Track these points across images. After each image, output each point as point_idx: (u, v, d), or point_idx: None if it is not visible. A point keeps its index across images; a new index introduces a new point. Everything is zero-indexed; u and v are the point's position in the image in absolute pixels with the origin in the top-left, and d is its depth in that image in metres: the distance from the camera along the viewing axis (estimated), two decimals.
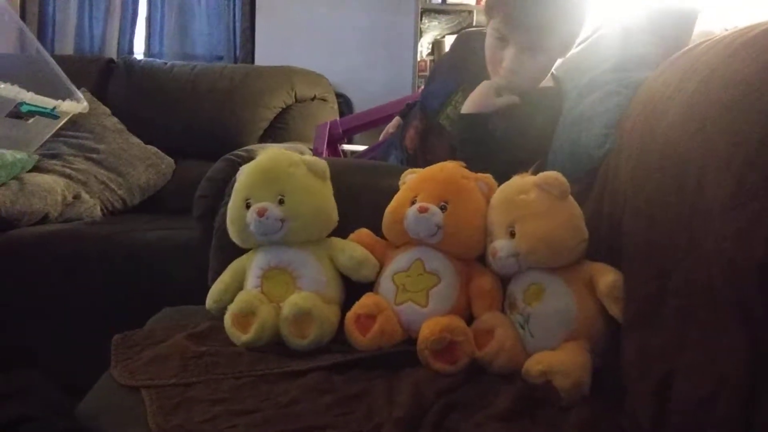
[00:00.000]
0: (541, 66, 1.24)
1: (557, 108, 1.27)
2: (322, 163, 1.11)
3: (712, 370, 0.61)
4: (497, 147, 1.22)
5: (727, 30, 0.92)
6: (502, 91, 1.25)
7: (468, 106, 1.28)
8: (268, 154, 1.11)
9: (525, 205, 0.94)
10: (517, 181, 0.99)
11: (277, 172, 1.07)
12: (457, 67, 1.43)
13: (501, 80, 1.23)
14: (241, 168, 1.11)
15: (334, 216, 1.10)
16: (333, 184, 1.13)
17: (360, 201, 1.17)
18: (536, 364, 0.86)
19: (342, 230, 1.11)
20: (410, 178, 1.09)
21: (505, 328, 0.93)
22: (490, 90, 1.25)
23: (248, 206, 1.05)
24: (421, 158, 1.42)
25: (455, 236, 1.00)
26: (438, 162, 1.10)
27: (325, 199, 1.10)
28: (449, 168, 1.06)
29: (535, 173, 0.98)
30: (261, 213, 1.02)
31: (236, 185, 1.10)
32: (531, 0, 1.16)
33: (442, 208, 1.00)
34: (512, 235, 0.94)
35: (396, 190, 1.09)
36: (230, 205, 1.09)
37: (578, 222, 0.95)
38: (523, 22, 1.16)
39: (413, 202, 1.02)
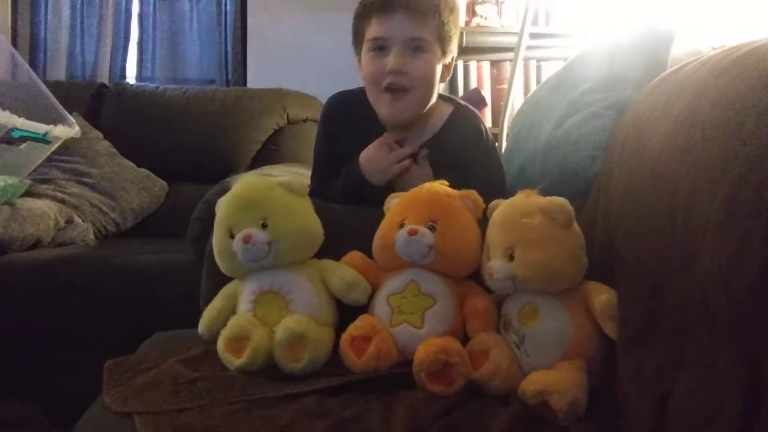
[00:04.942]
0: (426, 63, 1.23)
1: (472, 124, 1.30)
2: (299, 181, 1.10)
3: (709, 390, 0.61)
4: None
5: (714, 49, 0.93)
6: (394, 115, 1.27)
7: (377, 177, 1.26)
8: (243, 182, 1.10)
9: (528, 230, 0.92)
10: (522, 201, 0.96)
11: (255, 198, 1.06)
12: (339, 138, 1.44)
13: (387, 107, 1.27)
14: (218, 201, 1.10)
15: (320, 231, 1.10)
16: (321, 211, 1.12)
17: (351, 226, 1.16)
18: (532, 384, 0.85)
19: (335, 254, 1.10)
20: (395, 202, 1.09)
21: (500, 348, 0.93)
22: (384, 154, 1.27)
23: (233, 236, 1.04)
24: None
25: (448, 255, 1.00)
26: None
27: (307, 215, 1.10)
28: (433, 188, 1.06)
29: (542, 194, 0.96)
30: (247, 239, 1.01)
31: (217, 218, 1.09)
32: None
33: (432, 229, 1.00)
34: (511, 257, 0.92)
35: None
36: (214, 238, 1.08)
37: (579, 252, 0.93)
38: (400, 2, 1.19)
39: (401, 226, 1.02)
